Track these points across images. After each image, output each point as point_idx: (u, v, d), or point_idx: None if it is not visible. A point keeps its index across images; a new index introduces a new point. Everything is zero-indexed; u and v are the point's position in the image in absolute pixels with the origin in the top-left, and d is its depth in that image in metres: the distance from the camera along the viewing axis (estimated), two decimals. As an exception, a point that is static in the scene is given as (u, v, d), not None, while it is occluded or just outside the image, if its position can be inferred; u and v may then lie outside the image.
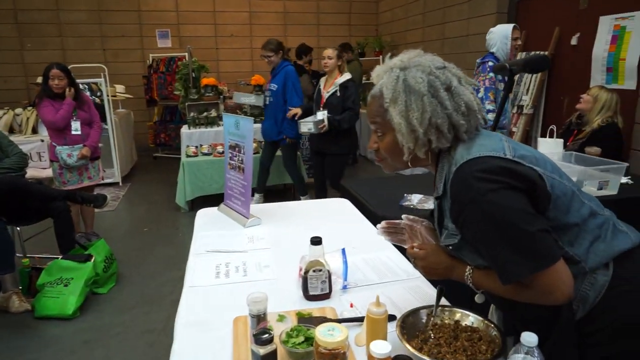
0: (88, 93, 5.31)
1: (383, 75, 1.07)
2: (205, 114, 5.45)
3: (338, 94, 4.04)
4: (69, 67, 3.76)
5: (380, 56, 8.04)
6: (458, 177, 0.97)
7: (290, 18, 8.36)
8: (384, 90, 1.04)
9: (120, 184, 5.78)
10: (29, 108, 5.50)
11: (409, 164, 1.09)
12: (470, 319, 1.12)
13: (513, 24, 3.40)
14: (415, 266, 1.17)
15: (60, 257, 2.96)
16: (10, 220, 2.89)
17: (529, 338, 0.83)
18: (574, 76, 4.33)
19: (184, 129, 5.39)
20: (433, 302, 1.16)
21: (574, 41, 4.36)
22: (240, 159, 2.06)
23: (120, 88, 6.59)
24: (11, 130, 5.41)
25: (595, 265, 0.97)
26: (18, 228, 3.09)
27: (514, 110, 4.84)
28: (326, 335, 0.94)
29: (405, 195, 2.44)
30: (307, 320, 1.18)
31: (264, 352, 0.95)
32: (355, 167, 6.89)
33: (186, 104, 5.59)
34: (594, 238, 0.99)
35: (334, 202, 2.39)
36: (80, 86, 4.62)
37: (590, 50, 4.13)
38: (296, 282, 1.43)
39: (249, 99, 5.52)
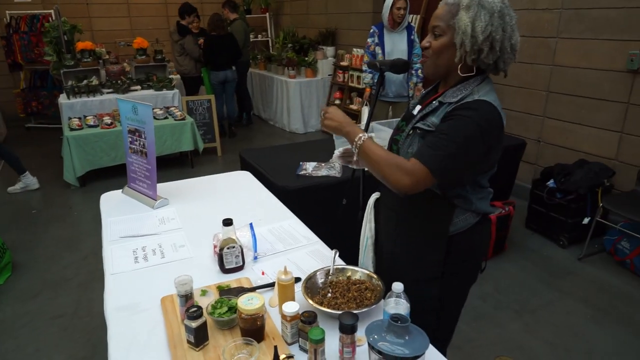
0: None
1: None
2: (85, 82, 5.10)
3: None
4: None
5: (267, 13, 8.01)
6: (475, 103, 1.25)
7: (168, -30, 7.86)
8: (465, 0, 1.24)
9: (-8, 162, 5.24)
10: None
11: (447, 69, 1.33)
12: (359, 274, 1.42)
13: None
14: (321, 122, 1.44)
15: (-58, 253, 2.76)
16: None
17: (398, 287, 1.14)
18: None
19: (63, 99, 5.00)
20: (330, 263, 1.45)
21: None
22: (141, 143, 2.12)
23: (-25, 53, 5.79)
24: None
25: (474, 209, 1.39)
26: None
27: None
28: (247, 303, 1.16)
29: (301, 163, 2.68)
30: (227, 292, 1.39)
31: (196, 325, 1.15)
32: (250, 127, 6.99)
33: (61, 71, 5.16)
34: (484, 196, 1.42)
35: (237, 175, 2.54)
36: None
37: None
38: (212, 258, 1.62)
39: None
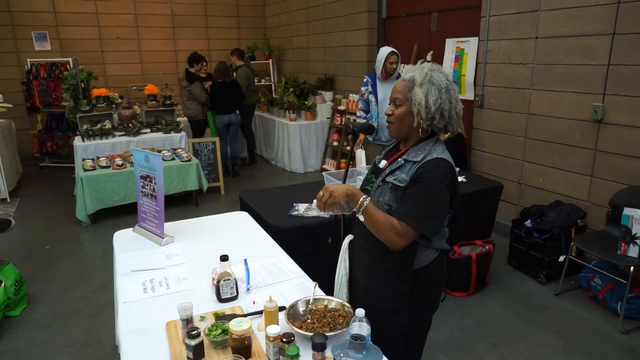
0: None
1: (415, 70, 1.59)
2: (99, 125, 5.47)
3: None
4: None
5: (270, 60, 8.51)
6: (435, 161, 1.56)
7: (178, 21, 8.43)
8: (416, 77, 1.55)
9: (9, 199, 5.56)
10: None
11: (409, 132, 1.62)
12: (334, 303, 1.68)
13: (391, 50, 4.06)
14: (324, 205, 1.59)
15: (-34, 285, 3.02)
16: None
17: (360, 312, 1.40)
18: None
19: (78, 142, 5.37)
20: (311, 294, 1.70)
21: (429, 57, 5.24)
22: (152, 187, 2.42)
23: (-3, 98, 6.22)
24: None
25: (433, 246, 1.66)
26: None
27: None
28: (237, 325, 1.42)
29: (294, 204, 2.96)
30: (222, 318, 1.64)
31: (195, 343, 1.40)
32: (253, 167, 7.32)
33: (77, 115, 5.55)
34: (441, 235, 1.69)
35: (235, 215, 2.82)
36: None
37: (441, 66, 5.02)
38: (210, 289, 1.87)
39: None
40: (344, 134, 6.52)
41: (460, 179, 3.53)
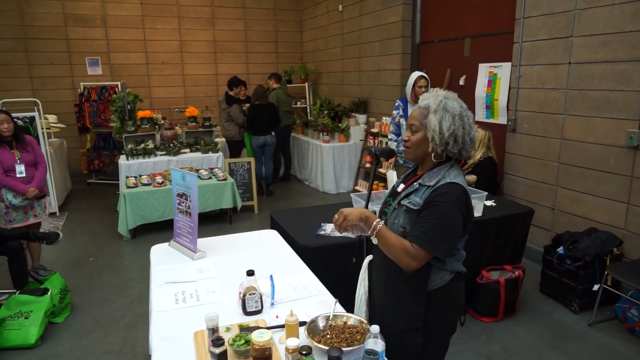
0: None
1: (430, 97, 1.66)
2: (142, 145, 5.79)
3: None
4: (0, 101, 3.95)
5: (306, 83, 8.75)
6: (448, 186, 1.61)
7: (220, 46, 8.84)
8: (431, 104, 1.62)
9: (58, 213, 5.93)
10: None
11: (424, 156, 1.69)
12: (352, 320, 1.74)
13: (420, 74, 4.15)
14: (339, 227, 1.68)
15: (17, 292, 3.26)
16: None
17: (375, 329, 1.46)
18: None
19: (122, 160, 5.69)
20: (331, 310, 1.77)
21: (461, 82, 5.28)
22: (187, 205, 2.57)
23: (52, 118, 6.70)
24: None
25: (448, 269, 1.70)
26: (-27, 268, 3.34)
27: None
28: (258, 336, 1.51)
29: (322, 224, 3.05)
30: (247, 329, 1.73)
31: (219, 352, 1.50)
32: (287, 186, 7.49)
33: (123, 135, 5.89)
34: (457, 257, 1.73)
35: (265, 233, 2.93)
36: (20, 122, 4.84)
37: (474, 90, 5.05)
38: (237, 303, 1.97)
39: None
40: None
41: (489, 203, 3.52)
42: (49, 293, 3.24)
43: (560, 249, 3.55)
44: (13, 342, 3.00)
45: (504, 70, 4.66)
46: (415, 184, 1.72)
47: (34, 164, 3.97)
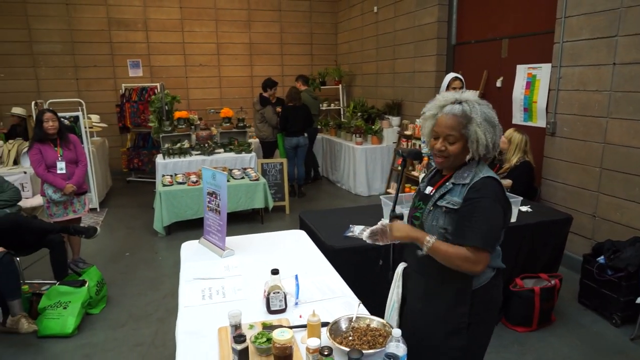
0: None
1: (463, 103, 1.63)
2: (178, 144, 5.94)
3: None
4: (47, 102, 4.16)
5: (340, 85, 8.75)
6: (485, 181, 1.62)
7: (256, 49, 8.96)
8: (474, 115, 1.60)
9: (98, 209, 6.17)
10: (10, 141, 5.83)
11: (460, 164, 1.67)
12: (375, 323, 1.72)
13: (454, 75, 4.06)
14: (388, 235, 1.73)
15: (57, 283, 3.40)
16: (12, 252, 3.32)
17: (397, 332, 1.43)
18: (499, 115, 5.09)
19: (159, 159, 5.85)
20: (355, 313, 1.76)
21: (498, 83, 5.14)
22: (217, 203, 2.61)
23: (95, 118, 6.98)
24: (-8, 162, 5.73)
25: (491, 265, 1.68)
26: (18, 258, 3.51)
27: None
28: (279, 335, 1.51)
29: (350, 226, 3.03)
30: (270, 328, 1.74)
31: (240, 348, 1.51)
32: (318, 187, 7.51)
33: (160, 135, 6.06)
34: (497, 255, 1.72)
35: (293, 233, 2.95)
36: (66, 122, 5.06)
37: (511, 92, 4.91)
38: (262, 301, 1.99)
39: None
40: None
41: (524, 208, 3.40)
42: (87, 285, 3.37)
43: (601, 259, 3.39)
44: (52, 331, 3.13)
45: (543, 71, 4.50)
46: (447, 184, 1.70)
47: (75, 161, 4.14)
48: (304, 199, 6.83)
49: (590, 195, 3.97)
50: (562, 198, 4.24)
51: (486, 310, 1.73)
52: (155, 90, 7.63)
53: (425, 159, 4.69)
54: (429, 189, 1.77)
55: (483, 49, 5.47)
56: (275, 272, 1.89)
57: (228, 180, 5.34)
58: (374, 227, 1.83)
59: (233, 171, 5.65)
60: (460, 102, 1.65)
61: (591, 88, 3.86)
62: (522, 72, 4.78)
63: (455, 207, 1.63)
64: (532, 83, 4.63)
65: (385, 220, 1.87)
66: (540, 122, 4.56)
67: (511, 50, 5.02)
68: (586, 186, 4.00)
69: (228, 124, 6.62)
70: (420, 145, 6.22)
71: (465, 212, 1.61)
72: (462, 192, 1.64)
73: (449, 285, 1.70)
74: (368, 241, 1.85)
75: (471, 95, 1.68)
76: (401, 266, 1.93)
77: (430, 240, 1.62)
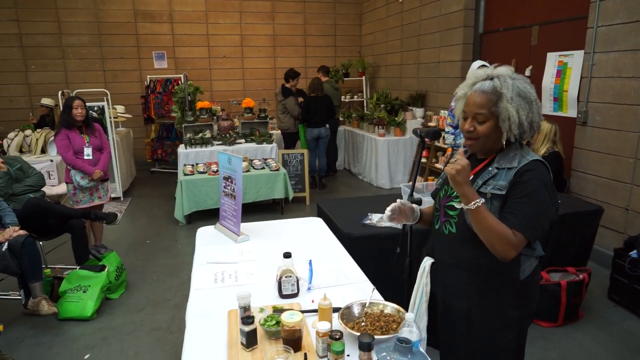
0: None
1: (494, 78, 1.49)
2: (200, 134, 5.97)
3: None
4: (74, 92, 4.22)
5: (363, 76, 8.64)
6: (532, 164, 1.48)
7: (279, 40, 8.93)
8: (504, 91, 1.45)
9: (122, 198, 6.26)
10: (38, 130, 5.97)
11: (494, 145, 1.53)
12: (389, 309, 1.65)
13: (481, 63, 3.92)
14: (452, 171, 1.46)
15: (78, 267, 3.45)
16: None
17: (410, 316, 1.36)
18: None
19: (181, 149, 5.89)
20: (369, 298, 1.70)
21: (527, 72, 4.95)
22: (232, 188, 2.58)
23: (120, 109, 7.08)
24: (21, 151, 5.88)
25: (535, 255, 1.60)
26: (40, 242, 3.57)
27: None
28: (288, 317, 1.46)
29: (368, 214, 2.96)
30: (280, 311, 1.69)
31: (248, 329, 1.47)
32: (337, 179, 7.44)
33: (183, 125, 6.10)
34: (539, 243, 1.62)
35: (310, 220, 2.90)
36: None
37: (540, 81, 4.72)
38: (274, 286, 1.94)
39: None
40: (432, 150, 6.37)
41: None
42: (106, 270, 3.40)
43: (634, 253, 3.22)
44: (72, 314, 3.18)
45: (575, 59, 4.31)
46: (490, 169, 1.55)
47: (100, 148, 4.19)
48: (324, 190, 6.78)
49: (624, 187, 3.77)
50: (593, 190, 4.05)
51: (531, 301, 1.63)
52: (179, 81, 7.69)
53: (449, 149, 4.57)
54: None
55: (512, 37, 5.28)
56: (287, 255, 1.84)
57: (248, 171, 5.37)
58: (393, 204, 1.75)
59: (254, 161, 5.64)
60: (492, 78, 1.51)
61: (627, 74, 3.66)
62: (552, 60, 4.59)
63: (503, 192, 1.49)
64: (563, 71, 4.44)
65: (404, 200, 1.79)
66: (570, 111, 4.37)
67: (541, 37, 4.82)
68: (619, 178, 3.81)
69: (249, 114, 6.61)
70: (444, 137, 6.08)
71: (514, 195, 1.47)
72: (507, 176, 1.50)
73: (496, 278, 1.58)
74: (386, 222, 1.78)
75: (505, 70, 1.53)
76: (429, 261, 1.79)
77: (478, 202, 1.44)
